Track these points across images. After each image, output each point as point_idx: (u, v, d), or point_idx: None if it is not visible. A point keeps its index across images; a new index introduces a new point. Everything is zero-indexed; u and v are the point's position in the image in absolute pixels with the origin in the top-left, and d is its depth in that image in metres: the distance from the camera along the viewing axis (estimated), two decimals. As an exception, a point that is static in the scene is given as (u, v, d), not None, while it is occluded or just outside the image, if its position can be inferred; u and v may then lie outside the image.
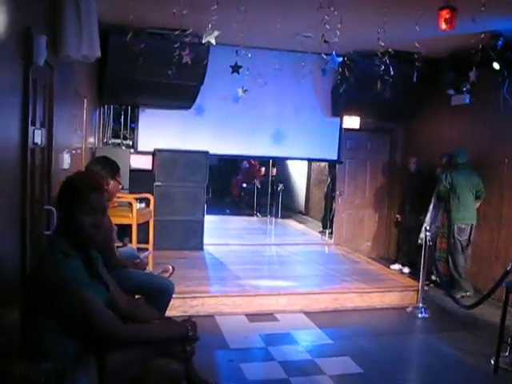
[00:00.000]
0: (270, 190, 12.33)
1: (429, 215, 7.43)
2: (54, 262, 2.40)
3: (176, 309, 5.44)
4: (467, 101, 7.34)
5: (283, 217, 12.54)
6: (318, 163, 12.10)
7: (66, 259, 2.41)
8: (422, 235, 6.63)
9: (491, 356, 4.72)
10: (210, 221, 9.11)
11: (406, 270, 8.12)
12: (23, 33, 2.87)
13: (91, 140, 6.77)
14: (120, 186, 4.20)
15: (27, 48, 2.89)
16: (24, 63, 2.89)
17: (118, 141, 8.37)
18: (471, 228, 6.99)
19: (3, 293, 2.63)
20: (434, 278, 7.37)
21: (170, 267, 4.59)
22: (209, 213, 9.24)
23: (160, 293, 4.09)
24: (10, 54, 2.69)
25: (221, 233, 10.14)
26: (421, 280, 6.49)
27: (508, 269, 4.84)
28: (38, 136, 3.25)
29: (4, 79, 2.63)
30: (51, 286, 2.32)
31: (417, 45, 5.78)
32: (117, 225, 4.62)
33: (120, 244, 5.36)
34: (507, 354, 4.78)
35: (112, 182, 4.03)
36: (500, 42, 6.05)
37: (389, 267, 8.08)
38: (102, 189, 2.63)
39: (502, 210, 6.87)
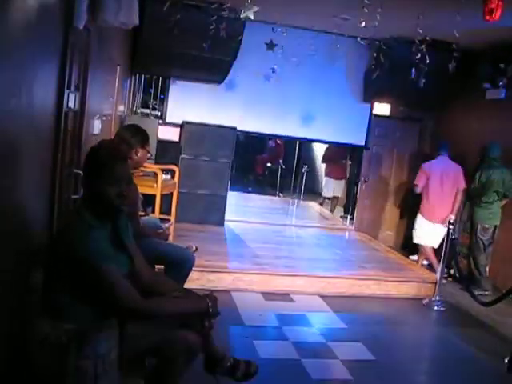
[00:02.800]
0: (294, 171, 12.30)
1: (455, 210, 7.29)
2: (78, 232, 2.41)
3: (194, 282, 5.47)
4: (503, 95, 7.21)
5: (305, 199, 12.51)
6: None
7: (90, 230, 2.42)
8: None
9: (505, 355, 4.68)
10: (232, 197, 9.12)
11: (425, 261, 8.06)
12: (65, -5, 2.88)
13: (121, 108, 6.79)
14: (148, 155, 4.22)
15: (68, 10, 2.90)
16: (64, 25, 2.90)
17: (147, 111, 8.39)
18: (495, 228, 6.89)
19: (30, 253, 2.66)
20: (452, 272, 7.31)
21: (194, 246, 4.61)
22: (231, 189, 9.26)
23: (180, 264, 4.13)
24: (51, 15, 2.70)
25: (242, 210, 10.15)
26: (439, 273, 6.46)
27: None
28: (72, 100, 3.27)
29: (45, 40, 2.63)
30: (73, 256, 2.34)
31: (456, 35, 5.67)
32: (141, 194, 4.66)
33: (143, 213, 5.40)
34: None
35: (141, 151, 4.04)
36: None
37: (408, 257, 8.04)
38: (126, 157, 2.64)
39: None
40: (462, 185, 7.15)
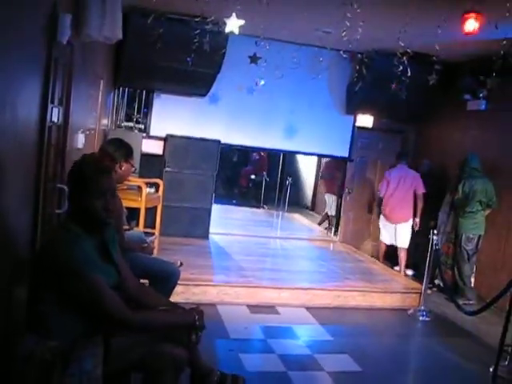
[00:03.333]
0: (278, 183, 12.34)
1: (439, 220, 7.39)
2: (65, 241, 2.41)
3: (179, 295, 5.45)
4: (483, 107, 7.31)
5: (289, 211, 12.53)
6: (326, 159, 12.07)
7: (77, 240, 2.42)
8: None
9: (490, 364, 4.71)
10: (216, 210, 9.12)
11: (410, 272, 8.09)
12: (49, 10, 2.88)
13: (105, 121, 6.78)
14: (133, 169, 4.21)
15: (52, 25, 2.90)
16: (48, 40, 2.90)
17: (131, 124, 8.36)
18: (479, 238, 6.95)
19: (13, 268, 2.64)
20: (437, 282, 7.36)
21: (179, 261, 4.60)
22: (216, 202, 9.25)
23: (165, 278, 4.12)
24: (35, 31, 2.70)
25: (227, 223, 10.15)
26: (424, 283, 6.49)
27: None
28: (55, 114, 3.26)
29: (28, 55, 2.63)
30: (60, 266, 2.33)
31: (437, 47, 5.76)
32: (125, 208, 4.64)
33: (127, 227, 5.37)
34: (506, 363, 4.78)
35: (125, 165, 4.04)
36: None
37: (392, 268, 8.07)
38: (110, 170, 2.64)
39: (509, 221, 6.84)
40: (421, 190, 7.73)
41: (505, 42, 5.67)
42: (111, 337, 2.43)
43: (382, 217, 8.20)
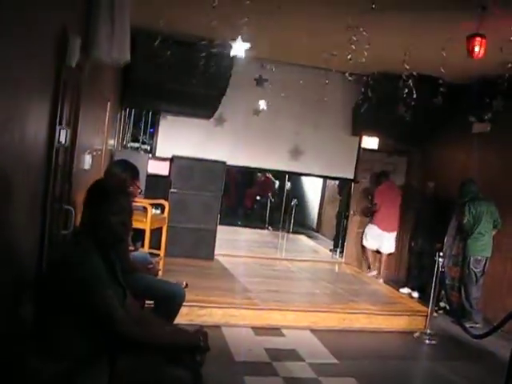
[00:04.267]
0: (283, 205, 12.32)
1: (445, 243, 7.38)
2: (78, 257, 2.42)
3: (183, 317, 5.41)
4: (488, 129, 7.33)
5: (294, 232, 12.51)
6: (332, 181, 12.09)
7: (90, 256, 2.43)
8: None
9: (498, 387, 4.67)
10: (221, 231, 9.11)
11: (416, 294, 8.05)
12: (59, 33, 2.91)
13: (111, 142, 6.82)
14: (139, 191, 4.23)
15: (62, 48, 2.93)
16: (57, 63, 2.93)
17: (137, 145, 8.42)
18: (486, 260, 6.94)
19: (19, 288, 2.64)
20: (443, 304, 7.31)
21: (184, 282, 4.59)
22: (221, 223, 9.26)
23: (170, 299, 4.09)
24: (45, 53, 2.73)
25: (232, 244, 10.12)
26: (430, 306, 6.45)
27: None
28: (63, 136, 3.28)
29: (37, 78, 2.66)
30: (74, 281, 2.33)
31: (442, 70, 5.79)
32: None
33: (132, 248, 5.37)
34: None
35: (131, 186, 4.05)
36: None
37: (398, 290, 8.03)
38: (130, 192, 2.69)
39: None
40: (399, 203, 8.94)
41: (510, 64, 5.72)
42: (117, 356, 2.42)
43: (371, 225, 8.97)
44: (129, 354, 2.44)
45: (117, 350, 2.42)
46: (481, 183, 7.16)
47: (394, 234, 8.97)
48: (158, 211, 6.66)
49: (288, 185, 13.21)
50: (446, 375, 5.27)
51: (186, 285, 4.61)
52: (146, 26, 6.42)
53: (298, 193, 13.46)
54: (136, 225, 5.91)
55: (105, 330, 2.39)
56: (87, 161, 4.48)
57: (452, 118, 8.03)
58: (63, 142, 3.35)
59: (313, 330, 6.05)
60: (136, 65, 6.88)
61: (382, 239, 8.91)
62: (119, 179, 3.16)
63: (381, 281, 8.65)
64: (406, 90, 6.51)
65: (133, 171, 4.13)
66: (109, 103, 5.99)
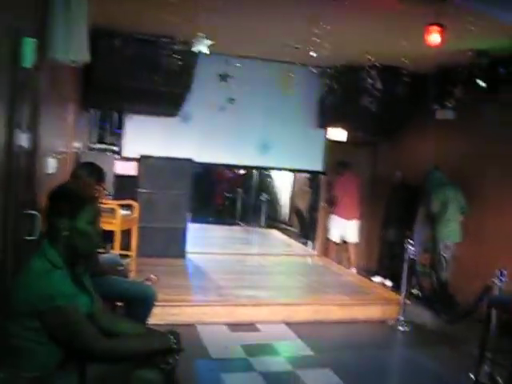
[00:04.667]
0: (254, 200, 12.34)
1: (415, 231, 7.47)
2: (41, 271, 2.35)
3: (156, 316, 5.31)
4: (451, 116, 7.41)
5: (266, 227, 12.56)
6: (302, 174, 12.12)
7: (53, 270, 2.36)
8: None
9: (471, 371, 4.75)
10: (192, 229, 9.07)
11: (388, 283, 8.13)
12: (12, 34, 2.84)
13: (76, 145, 6.71)
14: (105, 192, 4.17)
15: (16, 50, 2.86)
16: (12, 65, 2.86)
17: (103, 146, 8.31)
18: (455, 245, 7.04)
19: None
20: (415, 291, 7.39)
21: (153, 276, 4.55)
22: (192, 221, 9.22)
23: (142, 300, 4.06)
24: (-2, 56, 2.67)
25: (203, 241, 10.09)
26: (403, 294, 6.52)
27: (489, 284, 4.90)
28: (23, 139, 3.20)
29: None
30: (36, 297, 2.27)
31: (404, 60, 5.85)
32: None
33: (102, 250, 5.31)
34: (487, 368, 4.81)
35: (97, 188, 3.99)
36: (486, 61, 6.12)
37: (370, 280, 8.09)
38: (97, 196, 2.65)
39: (483, 226, 6.92)
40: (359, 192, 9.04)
41: (470, 52, 5.81)
42: (86, 364, 2.38)
43: (333, 216, 9.04)
44: (98, 361, 2.40)
45: (85, 358, 2.37)
46: (447, 170, 7.25)
47: (356, 222, 9.00)
48: (127, 212, 6.61)
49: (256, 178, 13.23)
50: (420, 361, 5.34)
51: (155, 278, 4.57)
52: (106, 24, 6.33)
53: (268, 187, 13.46)
54: (105, 226, 5.85)
55: (69, 345, 2.34)
56: (51, 164, 4.39)
57: (416, 106, 8.09)
58: (24, 145, 3.27)
59: (288, 324, 6.06)
60: (98, 65, 6.76)
61: (344, 228, 8.96)
62: (86, 183, 3.10)
63: (354, 270, 8.72)
64: (370, 81, 6.55)
65: (99, 173, 4.07)
66: (72, 104, 5.90)
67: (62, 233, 2.46)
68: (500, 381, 4.71)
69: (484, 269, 6.62)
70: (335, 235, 9.04)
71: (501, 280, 4.86)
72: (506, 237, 6.50)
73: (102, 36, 6.58)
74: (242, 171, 14.03)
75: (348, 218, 8.91)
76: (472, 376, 4.72)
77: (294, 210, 13.54)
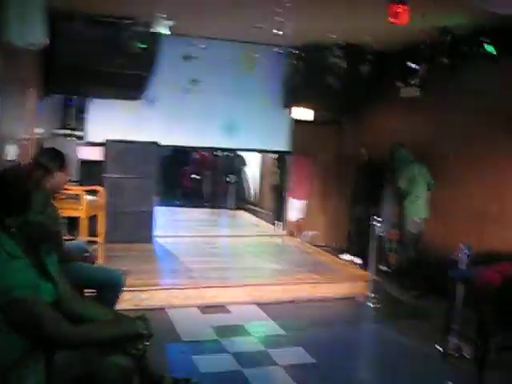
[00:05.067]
0: (221, 182, 12.30)
1: (383, 208, 7.53)
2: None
3: (126, 302, 5.34)
4: (416, 94, 7.46)
5: (235, 208, 12.55)
6: (269, 154, 12.11)
7: (11, 260, 2.29)
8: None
9: (439, 343, 4.85)
10: (160, 212, 9.02)
11: (358, 260, 8.21)
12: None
13: (38, 130, 6.58)
14: (67, 178, 4.09)
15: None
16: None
17: (67, 131, 8.15)
18: (423, 221, 7.13)
19: None
20: (384, 268, 7.49)
21: (124, 270, 4.52)
22: (159, 204, 9.16)
23: (110, 285, 4.04)
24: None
25: (172, 225, 10.04)
26: (371, 270, 6.60)
27: (455, 258, 5.00)
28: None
29: None
30: None
31: (367, 38, 5.85)
32: (65, 217, 4.52)
33: (70, 237, 5.25)
34: (454, 340, 4.93)
35: (59, 174, 3.91)
36: (448, 38, 6.16)
37: (339, 257, 8.17)
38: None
39: (448, 202, 7.01)
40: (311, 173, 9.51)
41: (432, 30, 5.84)
42: (54, 352, 2.34)
43: (290, 198, 9.58)
44: (66, 349, 2.36)
45: (52, 346, 2.34)
46: (412, 147, 7.31)
47: (303, 202, 9.54)
48: (93, 197, 6.51)
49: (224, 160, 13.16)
50: (389, 335, 5.43)
51: (126, 272, 4.55)
52: (66, 7, 6.17)
53: (236, 168, 13.41)
54: (71, 213, 5.79)
55: (34, 334, 2.30)
56: (12, 151, 4.31)
57: (381, 85, 8.13)
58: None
59: (259, 304, 6.09)
60: (58, 48, 6.63)
61: (296, 207, 9.45)
62: (28, 171, 3.00)
63: (299, 240, 9.24)
64: (334, 60, 6.56)
65: (60, 159, 3.98)
66: (32, 90, 5.77)
67: (11, 229, 2.40)
68: (466, 351, 4.85)
69: (450, 244, 6.75)
70: (293, 215, 9.57)
71: (465, 254, 4.95)
72: (470, 212, 6.61)
73: (61, 19, 6.42)
74: (206, 153, 13.95)
75: (298, 197, 9.45)
76: (439, 348, 4.83)
77: (262, 190, 13.57)
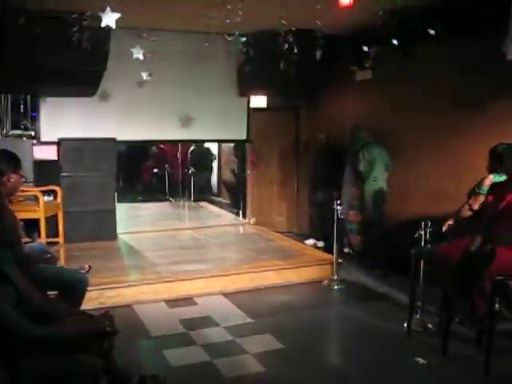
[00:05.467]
0: (181, 174, 12.23)
1: (343, 190, 7.60)
2: None
3: (93, 301, 5.32)
4: (370, 76, 7.56)
5: (196, 200, 12.52)
6: (227, 144, 12.11)
7: None
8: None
9: (404, 320, 4.96)
10: (122, 209, 8.93)
11: (321, 244, 8.31)
12: None
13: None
14: (22, 179, 4.02)
15: None
16: None
17: (19, 132, 7.99)
18: (384, 202, 7.21)
19: None
20: (346, 250, 7.59)
21: (87, 266, 4.47)
22: (120, 201, 9.07)
23: (73, 286, 3.99)
24: None
25: (134, 220, 9.96)
26: (334, 253, 6.68)
27: (416, 236, 5.10)
28: None
29: None
30: None
31: (318, 23, 5.87)
32: (23, 220, 4.43)
33: (28, 239, 5.16)
34: (418, 316, 5.06)
35: (14, 176, 3.84)
36: (396, 19, 6.24)
37: (303, 242, 8.24)
38: None
39: (405, 182, 7.13)
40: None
41: (381, 12, 5.91)
42: (19, 357, 2.31)
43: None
44: (31, 350, 2.33)
45: (16, 349, 2.31)
46: (370, 129, 7.39)
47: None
48: (51, 198, 6.42)
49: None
50: (356, 316, 5.51)
51: (89, 267, 4.51)
52: (13, 4, 6.01)
53: (195, 160, 13.36)
54: (29, 215, 5.71)
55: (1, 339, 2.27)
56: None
57: (335, 68, 8.18)
58: None
59: (225, 294, 6.11)
60: (6, 46, 6.47)
61: None
62: None
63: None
64: (287, 46, 6.56)
65: (13, 160, 3.91)
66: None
67: None
68: (430, 326, 4.97)
69: (409, 223, 6.89)
70: None
71: (425, 232, 5.07)
72: (428, 192, 6.74)
73: (6, 16, 6.26)
74: (165, 146, 13.90)
75: None
76: (405, 325, 4.93)
77: (222, 180, 13.58)
